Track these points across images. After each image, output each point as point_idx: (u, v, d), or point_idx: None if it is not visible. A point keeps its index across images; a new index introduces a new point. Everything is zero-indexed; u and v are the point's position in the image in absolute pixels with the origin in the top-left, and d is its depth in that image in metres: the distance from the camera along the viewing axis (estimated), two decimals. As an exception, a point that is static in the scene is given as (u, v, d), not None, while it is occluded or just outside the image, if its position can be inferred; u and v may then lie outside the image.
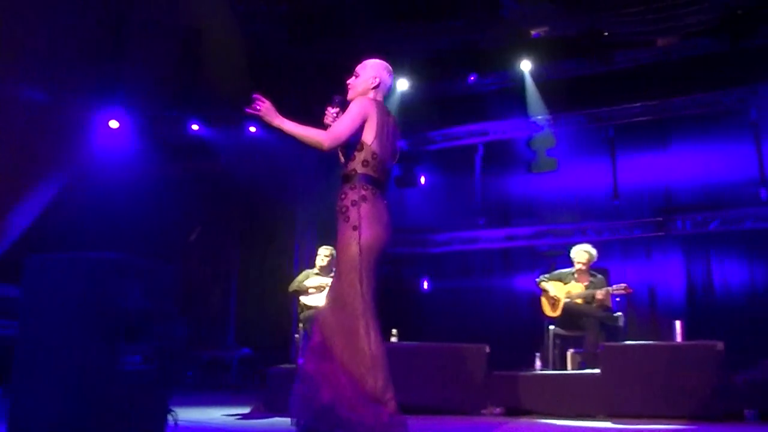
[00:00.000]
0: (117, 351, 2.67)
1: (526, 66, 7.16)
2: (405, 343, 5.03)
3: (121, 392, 2.73)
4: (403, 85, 7.56)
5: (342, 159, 2.86)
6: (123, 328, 2.69)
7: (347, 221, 2.72)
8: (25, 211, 6.89)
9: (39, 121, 6.38)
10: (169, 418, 3.02)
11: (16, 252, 6.93)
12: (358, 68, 2.99)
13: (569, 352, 5.04)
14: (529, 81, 7.32)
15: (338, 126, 2.76)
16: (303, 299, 5.53)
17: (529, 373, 4.53)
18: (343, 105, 2.85)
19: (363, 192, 2.75)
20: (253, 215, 8.19)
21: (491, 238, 7.74)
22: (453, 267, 7.96)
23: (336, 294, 2.70)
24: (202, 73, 6.77)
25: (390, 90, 3.09)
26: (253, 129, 7.67)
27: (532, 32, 6.62)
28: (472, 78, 7.23)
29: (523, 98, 7.36)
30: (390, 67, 3.00)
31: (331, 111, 2.86)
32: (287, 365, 5.20)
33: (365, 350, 2.58)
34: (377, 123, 2.80)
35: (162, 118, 7.39)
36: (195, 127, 7.60)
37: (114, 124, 7.10)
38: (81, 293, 2.62)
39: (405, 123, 7.20)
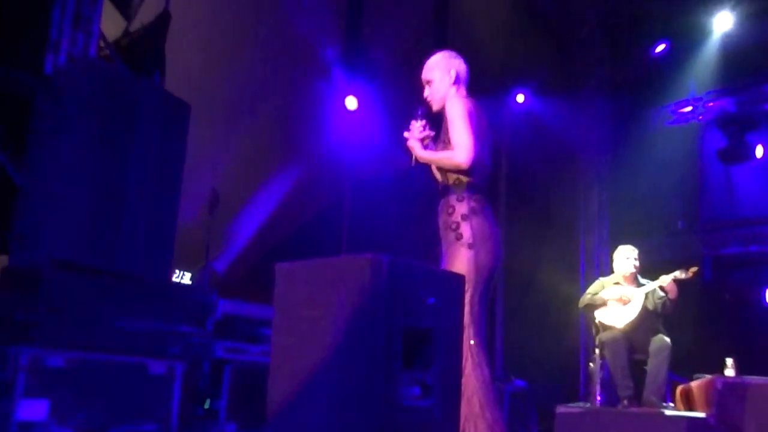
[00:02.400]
0: (394, 379, 2.45)
1: None
2: (749, 378, 4.53)
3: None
4: (724, 22, 7.08)
5: (437, 170, 3.12)
6: (402, 349, 2.46)
7: (460, 239, 2.90)
8: (254, 212, 7.52)
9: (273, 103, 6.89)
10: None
11: (247, 262, 7.79)
12: (425, 75, 3.19)
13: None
14: None
15: (458, 137, 2.92)
16: (599, 316, 5.38)
17: None
18: (422, 116, 3.14)
19: (473, 204, 2.95)
20: (520, 208, 8.04)
21: None
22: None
23: None
24: (454, 40, 7.03)
25: (468, 75, 3.23)
26: (521, 98, 7.99)
27: None
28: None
29: None
30: (453, 52, 3.20)
31: (416, 125, 3.12)
32: (578, 404, 5.01)
33: (473, 398, 2.73)
34: (477, 122, 2.98)
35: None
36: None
37: (352, 103, 7.37)
38: (359, 305, 2.44)
39: (730, 74, 7.05)
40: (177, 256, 4.11)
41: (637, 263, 5.45)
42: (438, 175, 3.24)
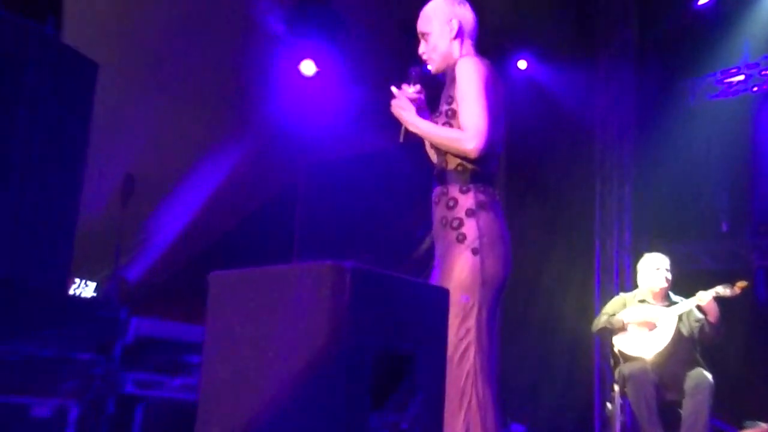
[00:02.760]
0: (361, 425, 2.44)
1: None
2: None
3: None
4: None
5: (432, 149, 3.18)
6: (370, 383, 2.46)
7: (462, 240, 2.94)
8: (181, 204, 7.49)
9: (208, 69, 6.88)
10: None
11: (170, 268, 7.74)
12: (420, 26, 3.23)
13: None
14: None
15: (469, 116, 2.93)
16: (619, 343, 5.47)
17: None
18: (424, 80, 3.16)
19: (481, 197, 2.99)
20: (521, 203, 8.18)
21: None
22: None
23: None
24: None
25: (477, 25, 3.26)
26: (523, 64, 8.15)
27: None
28: None
29: None
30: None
31: (409, 90, 3.13)
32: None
33: None
34: (492, 93, 3.01)
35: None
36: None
37: (309, 67, 7.42)
38: (316, 326, 2.43)
39: None
40: (77, 261, 4.03)
41: (669, 276, 5.50)
42: (433, 156, 3.24)
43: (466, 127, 2.96)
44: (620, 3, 8.40)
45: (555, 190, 8.28)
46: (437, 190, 3.12)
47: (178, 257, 7.84)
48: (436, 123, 3.11)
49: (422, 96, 3.21)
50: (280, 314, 2.49)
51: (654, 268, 5.51)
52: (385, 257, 8.10)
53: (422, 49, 3.26)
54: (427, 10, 3.26)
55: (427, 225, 8.96)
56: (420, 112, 3.17)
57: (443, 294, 2.78)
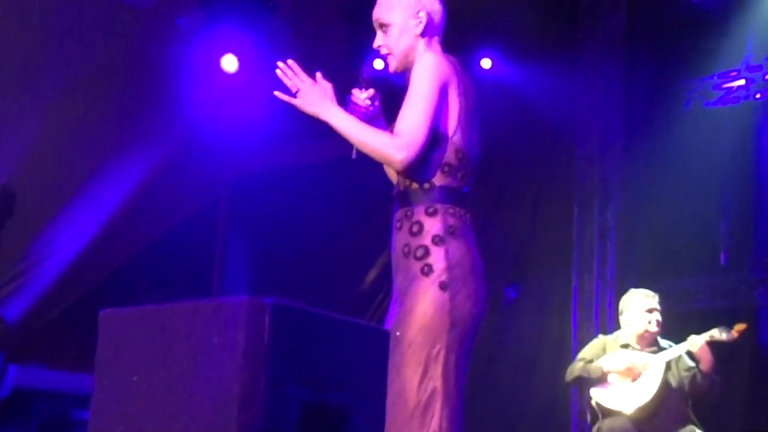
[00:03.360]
0: None
1: None
2: None
3: None
4: None
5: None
6: None
7: (428, 273, 2.93)
8: (73, 224, 7.43)
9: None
10: None
11: (57, 305, 7.63)
12: (378, 14, 3.15)
13: None
14: None
15: (406, 119, 2.94)
16: (597, 395, 5.60)
17: None
18: (369, 82, 3.12)
19: (451, 221, 3.00)
20: (485, 227, 8.11)
21: None
22: None
23: (395, 396, 2.87)
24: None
25: (445, 19, 3.26)
26: (486, 63, 8.11)
27: None
28: None
29: None
30: None
31: (360, 95, 3.09)
32: None
33: None
34: (460, 96, 3.05)
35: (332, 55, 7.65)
36: (380, 63, 7.72)
37: (230, 63, 7.46)
38: (230, 373, 2.45)
39: None
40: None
41: (660, 318, 5.58)
42: (393, 172, 3.25)
43: (400, 132, 2.98)
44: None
45: (524, 214, 8.37)
46: (399, 212, 3.11)
47: (69, 291, 7.72)
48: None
49: (377, 103, 3.18)
50: (186, 360, 2.51)
51: (642, 309, 5.59)
52: (324, 291, 8.10)
53: (379, 42, 3.22)
54: None
55: (375, 252, 8.92)
56: (374, 122, 3.15)
57: (384, 337, 2.81)
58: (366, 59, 7.20)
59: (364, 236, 8.31)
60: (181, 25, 7.18)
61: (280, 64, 3.07)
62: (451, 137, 3.06)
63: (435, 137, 3.03)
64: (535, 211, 8.32)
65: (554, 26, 8.40)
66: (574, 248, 8.14)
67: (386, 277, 8.71)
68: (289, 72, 3.07)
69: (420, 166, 3.04)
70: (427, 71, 3.02)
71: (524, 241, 8.31)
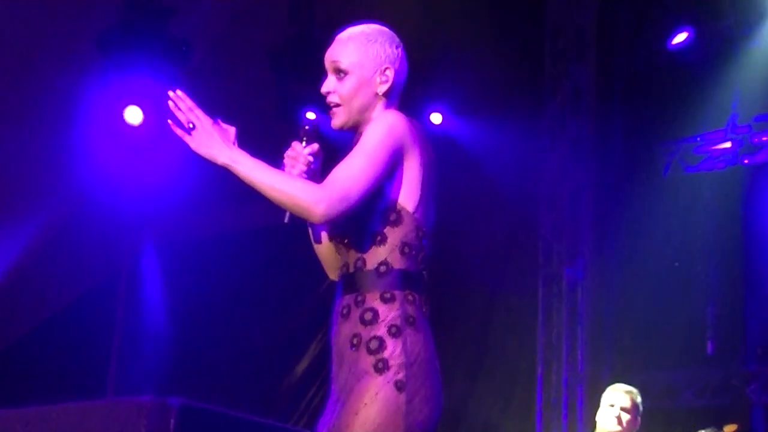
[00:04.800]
0: None
1: None
2: None
3: None
4: None
5: (340, 240, 3.07)
6: None
7: (382, 370, 2.89)
8: None
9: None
10: None
11: None
12: (338, 56, 3.13)
13: None
14: None
15: (342, 172, 2.92)
16: None
17: None
18: (313, 136, 3.11)
19: (409, 309, 2.96)
20: (438, 311, 8.12)
21: None
22: None
23: None
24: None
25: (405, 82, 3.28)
26: (437, 118, 8.26)
27: None
28: None
29: None
30: (391, 31, 3.19)
31: (301, 151, 3.09)
32: None
33: None
34: (423, 167, 3.03)
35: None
36: (311, 115, 7.91)
37: (134, 115, 7.54)
38: None
39: None
40: None
41: (627, 417, 5.59)
42: (327, 252, 3.19)
43: (329, 182, 2.92)
44: (573, 37, 8.62)
45: (483, 294, 8.38)
46: (346, 298, 3.03)
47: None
48: None
49: (319, 160, 3.12)
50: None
51: (606, 404, 5.61)
52: (245, 385, 8.04)
53: (330, 87, 3.12)
54: (353, 38, 3.17)
55: (305, 339, 8.86)
56: (314, 179, 3.06)
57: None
58: (297, 110, 7.23)
59: (293, 320, 8.28)
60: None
61: (171, 93, 2.96)
62: (413, 213, 3.02)
63: (397, 214, 3.01)
64: (494, 293, 8.34)
65: (516, 78, 8.48)
66: (539, 334, 8.17)
67: (319, 368, 8.69)
68: (182, 104, 2.99)
69: (375, 244, 3.01)
70: (384, 127, 2.97)
71: (481, 329, 8.31)
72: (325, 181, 2.91)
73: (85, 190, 7.84)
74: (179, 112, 2.91)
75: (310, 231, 3.19)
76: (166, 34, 7.34)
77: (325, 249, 3.23)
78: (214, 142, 2.90)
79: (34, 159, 7.46)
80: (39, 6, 7.09)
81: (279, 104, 7.61)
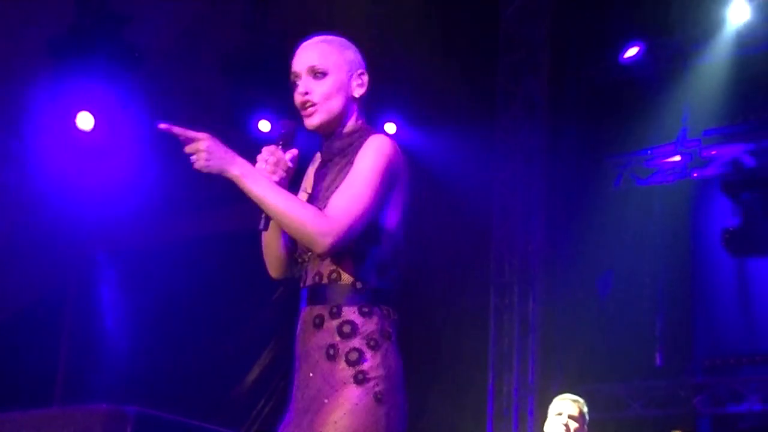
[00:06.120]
0: None
1: None
2: None
3: None
4: (739, 16, 7.63)
5: (308, 250, 3.02)
6: None
7: (363, 382, 2.89)
8: None
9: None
10: None
11: None
12: (318, 59, 3.13)
13: None
14: None
15: (348, 205, 2.93)
16: None
17: None
18: (292, 139, 3.08)
19: (385, 323, 2.97)
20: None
21: None
22: None
23: None
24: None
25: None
26: (391, 128, 8.25)
27: None
28: None
29: None
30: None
31: (282, 157, 3.04)
32: None
33: None
34: (405, 191, 3.07)
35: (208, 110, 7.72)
36: (265, 125, 7.76)
37: (85, 121, 7.50)
38: None
39: (748, 104, 7.59)
40: None
41: (575, 426, 5.62)
42: (308, 257, 3.10)
43: (335, 214, 2.92)
44: (526, 50, 8.65)
45: (435, 305, 8.40)
46: (318, 308, 3.01)
47: None
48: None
49: (293, 166, 3.08)
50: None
51: (554, 413, 5.65)
52: (194, 396, 7.99)
53: (307, 88, 3.11)
54: (328, 42, 3.20)
55: (257, 349, 8.77)
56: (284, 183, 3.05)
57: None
58: (249, 117, 7.20)
59: (245, 328, 8.22)
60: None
61: (160, 126, 2.93)
62: (393, 233, 3.05)
63: (378, 232, 3.01)
64: (446, 303, 8.34)
65: (469, 90, 8.49)
66: (491, 345, 8.18)
67: (270, 377, 8.63)
68: (174, 133, 2.94)
69: (353, 259, 3.02)
70: (381, 156, 3.00)
71: (432, 340, 8.30)
72: (331, 210, 2.92)
73: (35, 196, 7.78)
74: (203, 141, 2.89)
75: (264, 233, 3.12)
76: (119, 41, 7.31)
77: (278, 249, 3.20)
78: (227, 154, 2.90)
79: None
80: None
81: (231, 111, 7.59)
